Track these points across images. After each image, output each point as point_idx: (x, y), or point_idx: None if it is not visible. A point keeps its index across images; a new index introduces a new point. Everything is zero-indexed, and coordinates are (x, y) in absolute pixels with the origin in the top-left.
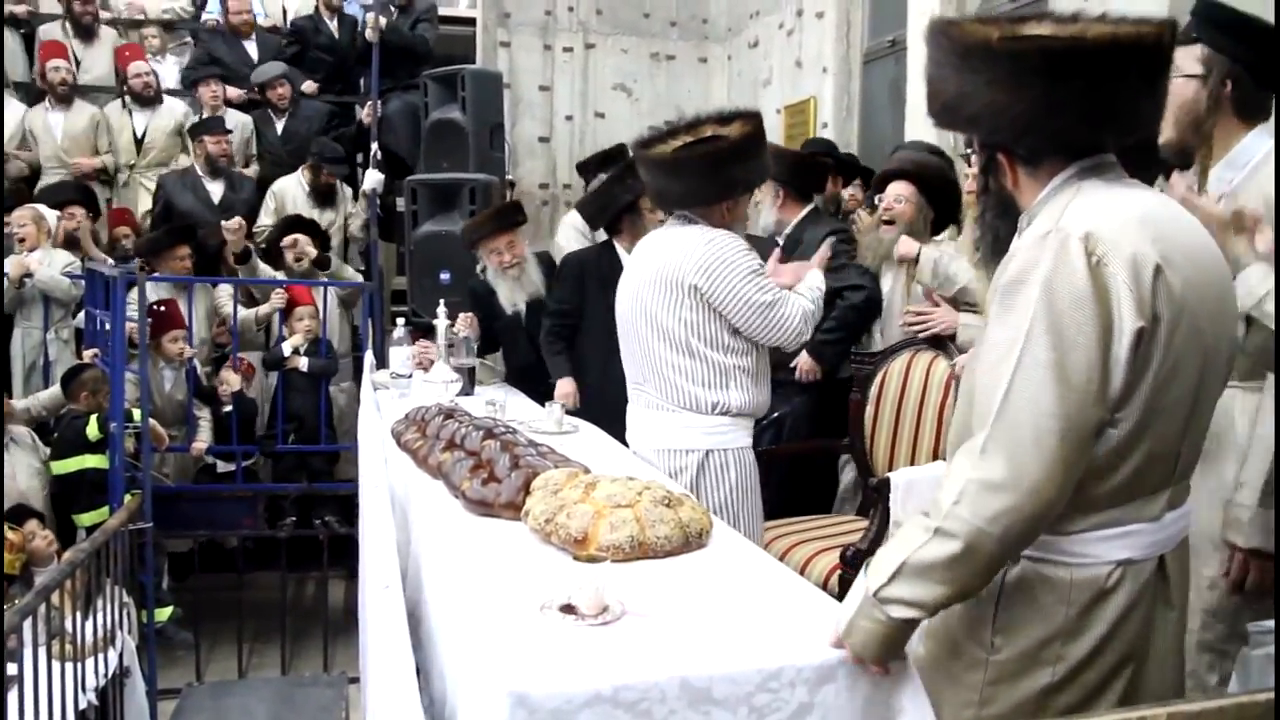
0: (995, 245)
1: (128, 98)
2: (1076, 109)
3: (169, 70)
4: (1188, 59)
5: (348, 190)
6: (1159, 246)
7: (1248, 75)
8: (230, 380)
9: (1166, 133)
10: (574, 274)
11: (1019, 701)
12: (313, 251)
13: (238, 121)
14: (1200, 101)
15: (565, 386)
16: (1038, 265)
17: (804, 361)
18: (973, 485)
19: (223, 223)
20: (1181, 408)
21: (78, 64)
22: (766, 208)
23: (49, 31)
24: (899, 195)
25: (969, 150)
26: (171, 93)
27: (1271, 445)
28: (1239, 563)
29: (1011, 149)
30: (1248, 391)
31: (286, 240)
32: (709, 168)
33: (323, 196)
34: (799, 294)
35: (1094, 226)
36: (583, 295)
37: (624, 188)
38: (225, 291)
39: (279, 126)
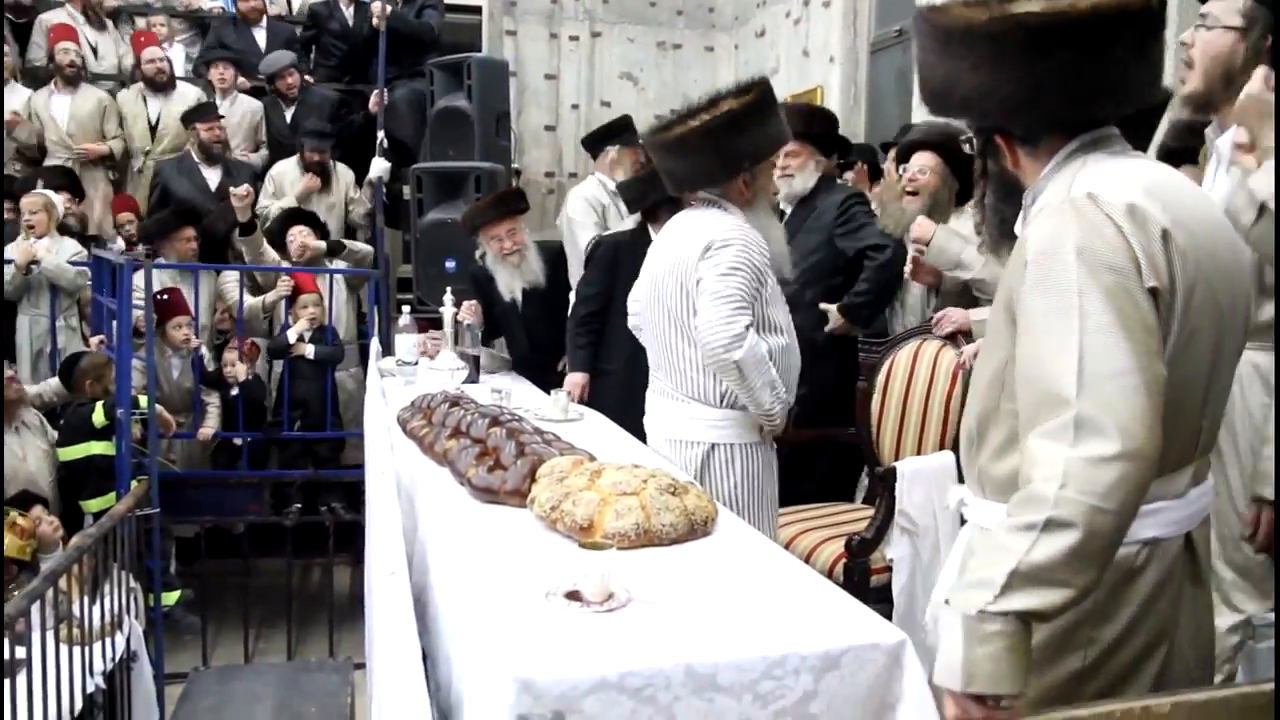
0: (1001, 227)
1: (142, 84)
2: (1063, 84)
3: (176, 57)
4: (1227, 11)
5: (347, 173)
6: (1168, 214)
7: None
8: (237, 368)
9: (1194, 84)
10: (608, 258)
11: (1048, 688)
12: (315, 244)
13: (248, 107)
14: (1237, 54)
15: (576, 379)
16: (1065, 233)
17: (835, 320)
18: (1076, 464)
19: (231, 189)
20: (1200, 378)
21: (94, 50)
22: (804, 172)
23: (54, 16)
24: (923, 166)
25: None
26: (179, 80)
27: None
28: (1265, 520)
29: (1007, 130)
30: (1261, 350)
31: (290, 234)
32: (711, 143)
33: (321, 172)
34: (778, 336)
35: (1101, 190)
36: (614, 281)
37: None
38: (230, 278)
39: (288, 114)
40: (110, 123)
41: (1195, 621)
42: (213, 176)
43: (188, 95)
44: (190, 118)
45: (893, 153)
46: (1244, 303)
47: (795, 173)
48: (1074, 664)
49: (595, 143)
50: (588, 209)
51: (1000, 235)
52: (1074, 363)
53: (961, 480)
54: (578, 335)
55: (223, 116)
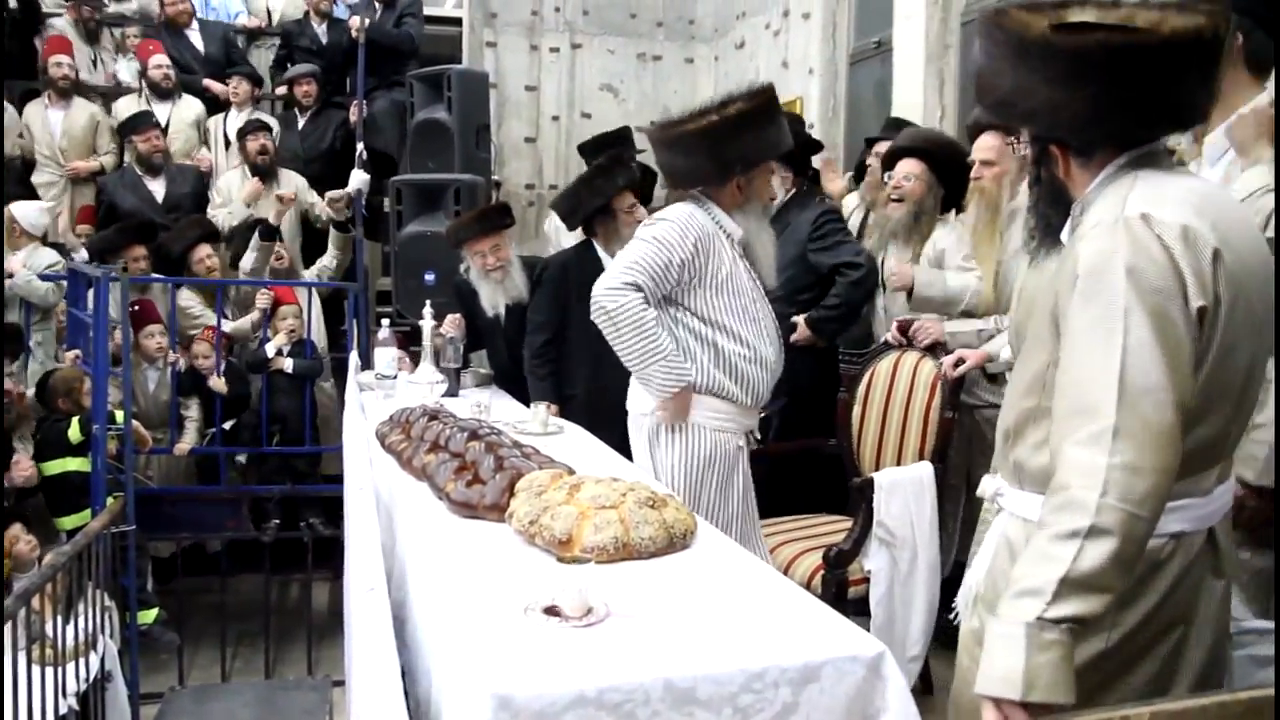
0: (1048, 232)
1: (147, 91)
2: (1138, 106)
3: (130, 69)
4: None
5: (296, 177)
6: (1216, 231)
7: (1258, 26)
8: (218, 386)
9: None
10: (553, 280)
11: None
12: (287, 258)
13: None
14: None
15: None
16: (1116, 252)
17: (801, 331)
18: (1116, 473)
19: (278, 194)
20: (1236, 385)
21: (94, 62)
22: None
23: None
24: (908, 173)
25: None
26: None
27: None
28: (1252, 501)
29: (1065, 141)
30: None
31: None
32: (708, 144)
33: (263, 174)
34: (726, 338)
35: (1156, 211)
36: (565, 303)
37: (592, 189)
38: (191, 300)
39: (299, 124)
40: (103, 137)
41: (1213, 611)
42: (157, 188)
43: (194, 103)
44: (126, 129)
45: (877, 148)
46: (1273, 310)
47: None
48: (1098, 645)
49: (591, 152)
50: (565, 229)
51: (1046, 239)
52: (1115, 376)
53: (940, 489)
54: (536, 368)
55: (158, 125)
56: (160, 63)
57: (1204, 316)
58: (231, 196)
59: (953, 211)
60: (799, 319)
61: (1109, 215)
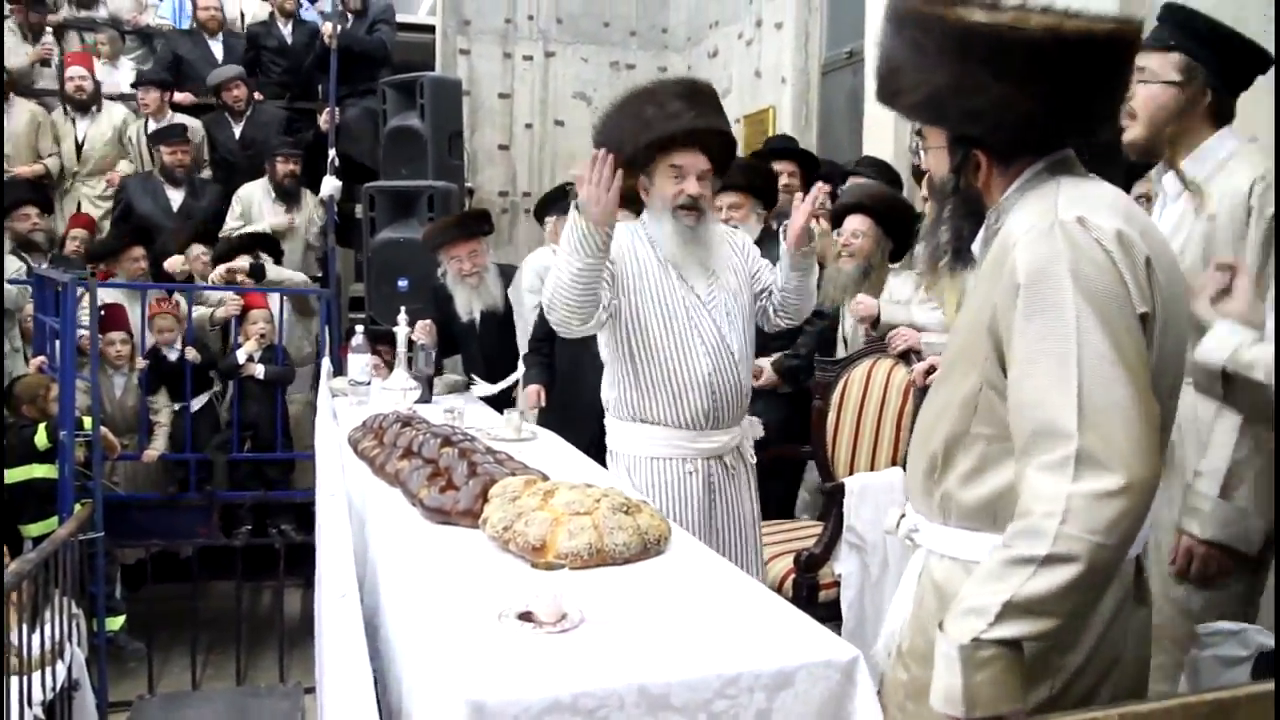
0: (958, 244)
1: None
2: (1082, 105)
3: (124, 75)
4: (1165, 66)
5: (310, 196)
6: (1145, 241)
7: (1224, 85)
8: (191, 356)
9: (1137, 131)
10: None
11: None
12: (239, 264)
13: (189, 128)
14: (1179, 103)
15: (532, 389)
16: (1057, 257)
17: (767, 376)
18: (1079, 500)
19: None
20: (1165, 403)
21: (44, 63)
22: (746, 224)
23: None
24: (856, 230)
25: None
26: (123, 98)
27: (1232, 438)
28: (1190, 552)
29: (990, 145)
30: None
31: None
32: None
33: (288, 196)
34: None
35: (1089, 215)
36: None
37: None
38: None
39: (236, 131)
40: (45, 139)
41: (1139, 639)
42: (176, 197)
43: (114, 114)
44: (156, 139)
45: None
46: (1186, 337)
47: (738, 224)
48: (1043, 693)
49: (540, 212)
50: (534, 278)
51: (957, 253)
52: (1073, 394)
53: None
54: (531, 354)
55: (189, 141)
56: (75, 74)
57: (1145, 324)
58: (250, 209)
59: (903, 263)
60: (764, 362)
61: (1041, 220)
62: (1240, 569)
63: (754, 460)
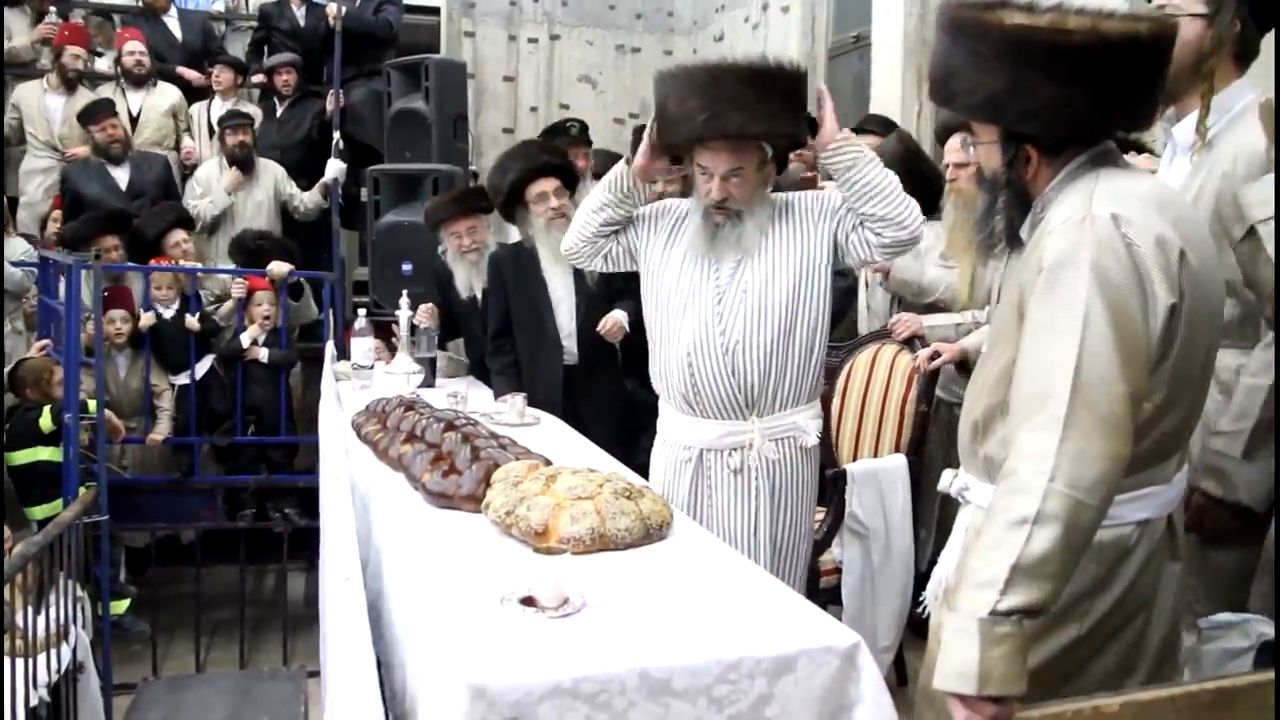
0: (1009, 230)
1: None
2: (1128, 102)
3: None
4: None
5: (275, 168)
6: (1179, 230)
7: (1250, 16)
8: (192, 325)
9: None
10: (493, 274)
11: (1047, 656)
12: (283, 268)
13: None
14: (1204, 41)
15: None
16: (1081, 249)
17: None
18: (1065, 459)
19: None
20: (1196, 377)
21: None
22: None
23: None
24: None
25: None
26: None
27: (1258, 398)
28: (1202, 509)
29: (1040, 140)
30: (1235, 350)
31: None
32: None
33: (242, 164)
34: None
35: (1123, 210)
36: (505, 295)
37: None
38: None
39: (278, 113)
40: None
41: (1170, 592)
42: (121, 175)
43: (169, 92)
44: (84, 118)
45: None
46: (1222, 303)
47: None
48: (1071, 633)
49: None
50: None
51: (1009, 240)
52: (1071, 367)
53: (918, 484)
54: (493, 362)
55: (116, 115)
56: (134, 49)
57: (1174, 313)
58: (211, 186)
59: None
60: None
61: (1076, 212)
62: (1245, 532)
63: (809, 478)
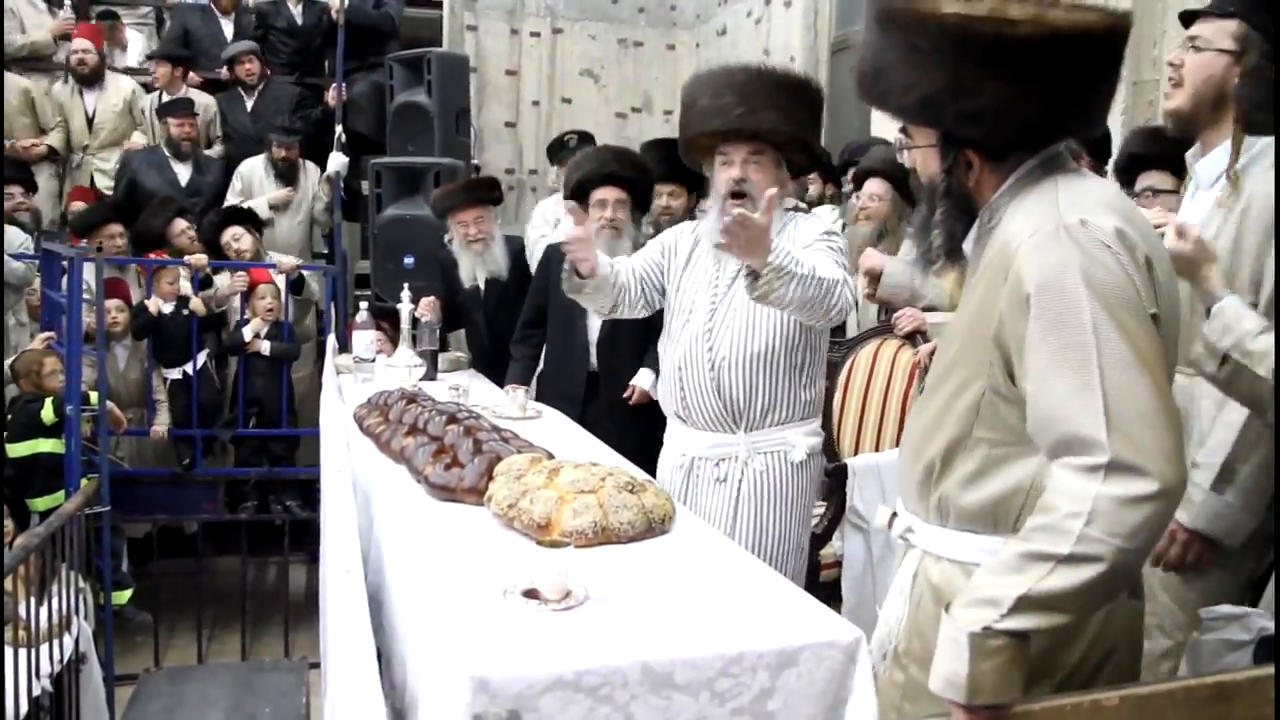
0: (950, 243)
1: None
2: (1081, 102)
3: (134, 48)
4: (1219, 34)
5: (314, 170)
6: (1147, 241)
7: (1261, 107)
8: (197, 307)
9: (1180, 101)
10: (543, 264)
11: None
12: (247, 245)
13: (200, 104)
14: (1230, 77)
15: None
16: (1067, 264)
17: None
18: (1105, 503)
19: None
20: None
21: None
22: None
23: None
24: (874, 194)
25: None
26: (131, 71)
27: (1232, 434)
28: (1173, 536)
29: (981, 145)
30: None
31: (226, 235)
32: None
33: (285, 176)
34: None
35: (1092, 217)
36: (547, 289)
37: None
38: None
39: (248, 106)
40: (46, 114)
41: (1130, 631)
42: (183, 172)
43: (123, 87)
44: (164, 112)
45: (851, 173)
46: (1178, 333)
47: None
48: (1045, 689)
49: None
50: (542, 222)
51: (950, 252)
52: (1099, 402)
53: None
54: (517, 347)
55: (196, 114)
56: (80, 47)
57: (1156, 323)
58: (252, 185)
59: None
60: None
61: (1046, 223)
62: (1222, 562)
63: (798, 493)
